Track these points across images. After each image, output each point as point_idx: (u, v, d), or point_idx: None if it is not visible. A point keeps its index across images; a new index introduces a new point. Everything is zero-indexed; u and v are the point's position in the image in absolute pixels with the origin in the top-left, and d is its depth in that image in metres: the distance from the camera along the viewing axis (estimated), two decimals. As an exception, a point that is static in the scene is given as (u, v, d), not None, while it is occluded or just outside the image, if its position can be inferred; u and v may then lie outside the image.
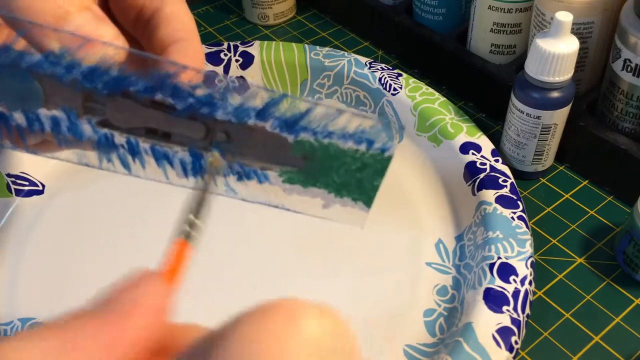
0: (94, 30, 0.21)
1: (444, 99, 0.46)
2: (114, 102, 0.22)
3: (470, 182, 0.41)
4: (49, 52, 0.20)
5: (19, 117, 0.21)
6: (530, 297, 0.35)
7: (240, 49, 0.50)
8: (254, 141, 0.23)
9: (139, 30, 0.27)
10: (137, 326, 0.14)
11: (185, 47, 0.25)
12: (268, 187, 0.23)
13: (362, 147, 0.23)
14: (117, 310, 0.14)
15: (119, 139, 0.22)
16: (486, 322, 0.33)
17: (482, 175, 0.41)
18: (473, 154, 0.42)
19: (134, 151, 0.22)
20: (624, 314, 0.37)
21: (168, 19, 0.25)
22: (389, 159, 0.23)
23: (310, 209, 0.24)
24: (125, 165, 0.23)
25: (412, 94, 0.47)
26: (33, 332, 0.13)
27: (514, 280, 0.35)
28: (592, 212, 0.43)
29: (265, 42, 0.51)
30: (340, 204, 0.24)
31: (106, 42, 0.21)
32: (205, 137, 0.23)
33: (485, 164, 0.41)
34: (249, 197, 0.24)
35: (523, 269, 0.35)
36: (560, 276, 0.39)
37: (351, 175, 0.23)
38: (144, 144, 0.22)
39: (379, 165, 0.23)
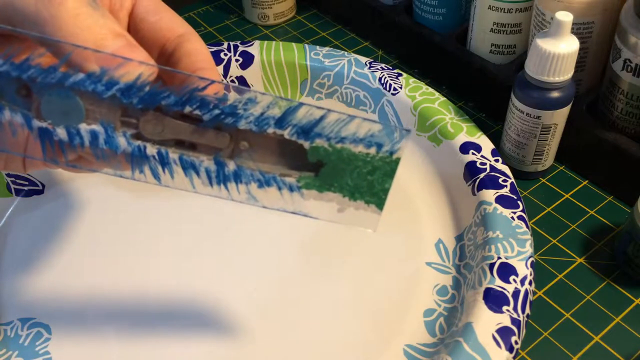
0: (128, 54, 0.24)
1: (444, 98, 0.46)
2: (147, 115, 0.23)
3: (470, 182, 0.41)
4: (90, 72, 0.22)
5: (61, 132, 0.23)
6: (530, 297, 0.35)
7: (240, 48, 0.50)
8: (273, 148, 0.24)
9: (161, 64, 0.29)
10: None
11: (206, 75, 0.27)
12: (286, 193, 0.25)
13: (372, 151, 0.24)
14: None
15: (151, 150, 0.24)
16: (486, 322, 0.33)
17: (482, 175, 0.41)
18: (473, 153, 0.42)
19: (164, 161, 0.24)
20: (624, 314, 0.37)
21: (190, 53, 0.28)
22: (397, 161, 0.25)
23: (326, 214, 0.26)
24: (156, 175, 0.24)
25: (412, 94, 0.47)
26: None
27: (514, 280, 0.35)
28: (592, 212, 0.43)
29: (265, 42, 0.51)
30: (354, 207, 0.25)
31: (142, 62, 0.23)
32: (229, 146, 0.24)
33: (485, 164, 0.41)
34: (269, 204, 0.25)
35: (523, 269, 0.35)
36: (560, 276, 0.39)
37: (363, 178, 0.25)
38: (173, 155, 0.24)
39: (388, 167, 0.25)
